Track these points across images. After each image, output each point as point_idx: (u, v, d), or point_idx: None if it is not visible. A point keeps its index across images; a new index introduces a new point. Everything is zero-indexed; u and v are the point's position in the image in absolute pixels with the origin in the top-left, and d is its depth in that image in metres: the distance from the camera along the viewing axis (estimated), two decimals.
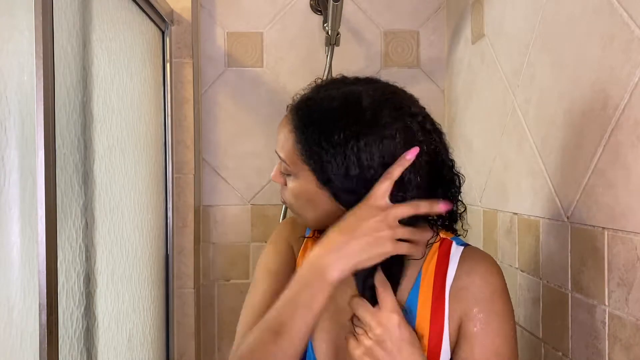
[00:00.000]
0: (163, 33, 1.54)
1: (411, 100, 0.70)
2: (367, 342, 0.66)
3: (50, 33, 0.82)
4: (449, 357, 0.71)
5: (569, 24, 0.94)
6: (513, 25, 1.20)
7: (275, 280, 0.76)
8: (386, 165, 0.65)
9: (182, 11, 1.56)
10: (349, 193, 0.67)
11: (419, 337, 0.69)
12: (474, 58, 1.45)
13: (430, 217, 0.71)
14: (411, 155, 0.64)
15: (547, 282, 1.02)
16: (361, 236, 0.64)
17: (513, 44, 1.19)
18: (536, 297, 1.06)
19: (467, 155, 1.50)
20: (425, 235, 0.68)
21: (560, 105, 0.97)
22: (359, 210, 0.65)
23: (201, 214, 1.69)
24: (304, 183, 0.70)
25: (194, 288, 1.58)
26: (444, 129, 0.73)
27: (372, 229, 0.64)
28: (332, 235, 0.65)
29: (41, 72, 0.79)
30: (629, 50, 0.77)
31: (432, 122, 0.70)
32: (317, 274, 0.64)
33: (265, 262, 0.81)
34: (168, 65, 1.54)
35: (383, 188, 0.64)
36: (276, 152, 0.73)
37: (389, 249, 0.64)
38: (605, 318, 0.83)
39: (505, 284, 0.72)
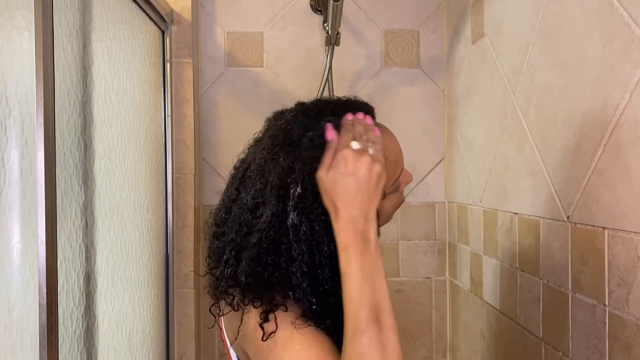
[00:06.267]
0: (163, 33, 1.54)
1: None
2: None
3: (50, 33, 0.82)
4: None
5: (569, 23, 0.94)
6: (513, 25, 1.20)
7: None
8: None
9: (182, 11, 1.56)
10: None
11: None
12: (474, 58, 1.45)
13: None
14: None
15: (547, 282, 1.02)
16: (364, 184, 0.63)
17: (513, 44, 1.19)
18: (536, 297, 1.06)
19: (467, 155, 1.50)
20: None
21: (560, 105, 0.97)
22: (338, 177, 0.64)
23: (201, 214, 1.69)
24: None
25: (194, 288, 1.58)
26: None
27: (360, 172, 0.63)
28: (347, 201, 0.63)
29: (41, 72, 0.79)
30: (629, 50, 0.77)
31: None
32: (363, 239, 0.62)
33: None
34: (168, 65, 1.54)
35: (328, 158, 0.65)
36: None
37: (378, 169, 0.64)
38: (605, 318, 0.83)
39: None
